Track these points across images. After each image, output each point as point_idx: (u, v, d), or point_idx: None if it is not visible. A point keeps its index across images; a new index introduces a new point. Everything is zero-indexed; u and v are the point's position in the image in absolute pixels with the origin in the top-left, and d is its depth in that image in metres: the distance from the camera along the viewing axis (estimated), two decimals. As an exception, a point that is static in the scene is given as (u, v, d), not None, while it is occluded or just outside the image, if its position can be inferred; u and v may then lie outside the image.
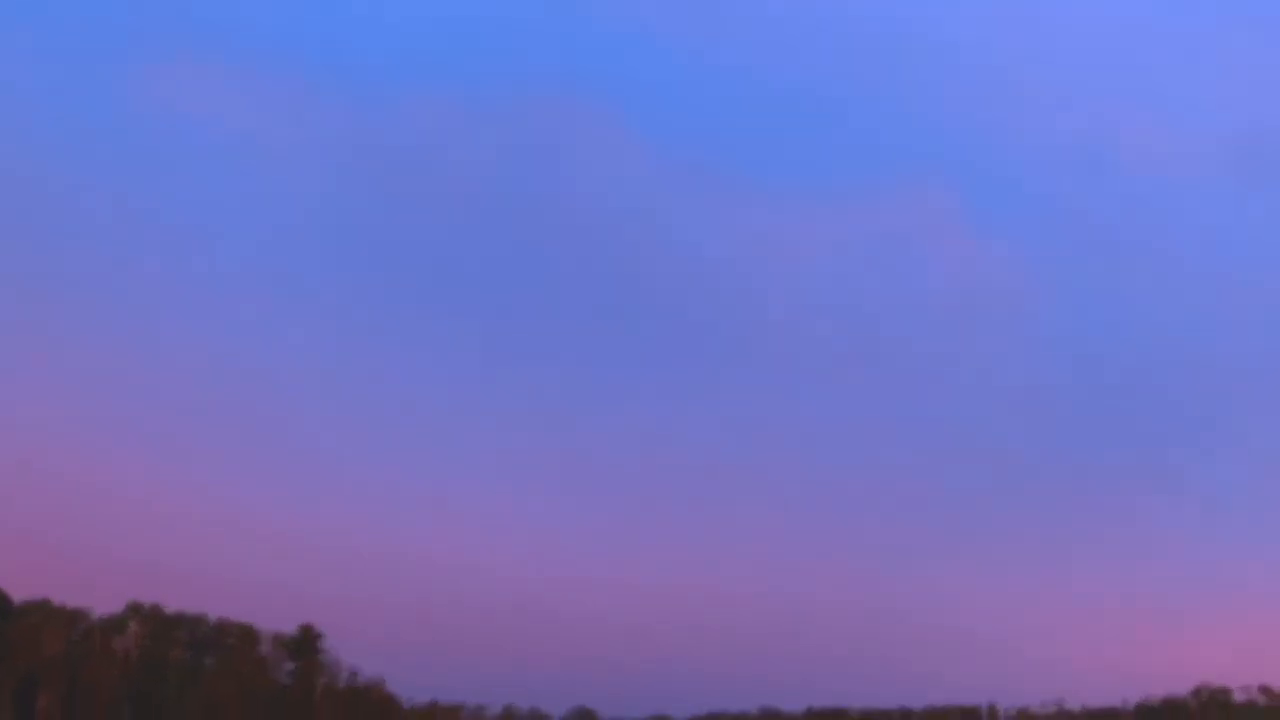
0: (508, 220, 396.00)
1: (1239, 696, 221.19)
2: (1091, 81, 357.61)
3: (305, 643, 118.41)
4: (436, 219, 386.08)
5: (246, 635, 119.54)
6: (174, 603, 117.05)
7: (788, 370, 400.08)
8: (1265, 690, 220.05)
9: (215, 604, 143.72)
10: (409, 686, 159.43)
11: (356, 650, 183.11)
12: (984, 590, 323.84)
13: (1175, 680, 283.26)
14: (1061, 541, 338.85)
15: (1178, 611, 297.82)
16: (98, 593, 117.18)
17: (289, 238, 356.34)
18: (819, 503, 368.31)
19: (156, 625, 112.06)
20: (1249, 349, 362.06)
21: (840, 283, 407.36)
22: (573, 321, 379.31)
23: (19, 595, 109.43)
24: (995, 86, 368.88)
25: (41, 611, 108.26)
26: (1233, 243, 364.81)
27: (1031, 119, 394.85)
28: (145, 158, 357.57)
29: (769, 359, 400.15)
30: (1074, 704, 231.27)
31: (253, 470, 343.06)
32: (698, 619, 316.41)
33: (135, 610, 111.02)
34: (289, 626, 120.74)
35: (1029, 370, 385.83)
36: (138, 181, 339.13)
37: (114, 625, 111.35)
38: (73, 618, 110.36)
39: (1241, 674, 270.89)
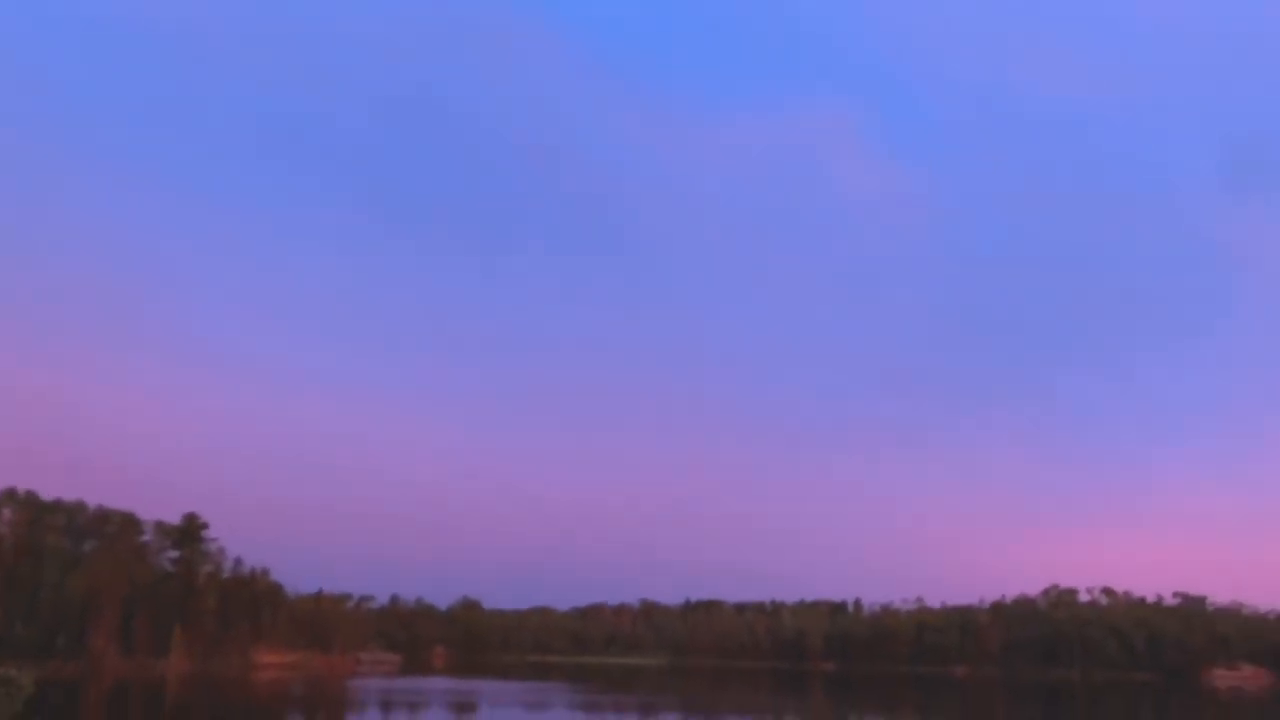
0: (409, 117, 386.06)
1: (1084, 597, 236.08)
2: (997, 7, 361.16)
3: (189, 531, 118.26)
4: (329, 104, 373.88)
5: (128, 523, 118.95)
6: (53, 490, 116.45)
7: (684, 277, 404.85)
8: (1108, 591, 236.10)
9: (98, 493, 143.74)
10: (295, 577, 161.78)
11: (242, 540, 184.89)
12: (855, 494, 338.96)
13: (1028, 581, 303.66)
14: (932, 449, 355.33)
15: (1034, 517, 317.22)
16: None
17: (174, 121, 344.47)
18: (700, 409, 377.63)
19: (33, 511, 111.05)
20: (1131, 274, 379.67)
21: (744, 192, 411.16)
22: (466, 216, 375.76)
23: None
24: (911, 12, 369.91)
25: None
26: (1122, 170, 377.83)
27: (941, 45, 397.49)
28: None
29: (668, 264, 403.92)
30: (934, 601, 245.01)
31: (136, 359, 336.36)
32: (582, 517, 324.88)
33: (10, 496, 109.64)
34: (173, 516, 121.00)
35: (922, 286, 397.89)
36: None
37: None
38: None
39: (1088, 576, 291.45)
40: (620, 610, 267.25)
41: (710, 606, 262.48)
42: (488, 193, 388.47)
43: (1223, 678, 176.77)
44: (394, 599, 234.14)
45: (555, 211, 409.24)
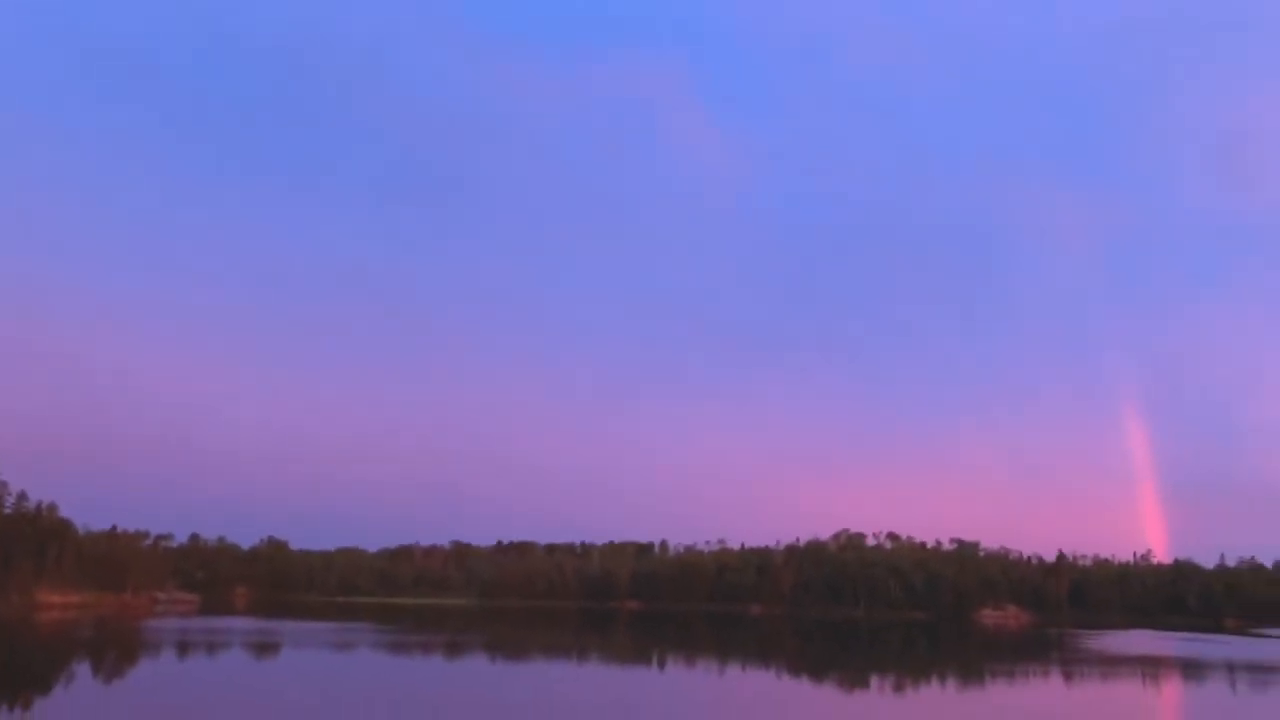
0: (245, 64, 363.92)
1: (871, 541, 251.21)
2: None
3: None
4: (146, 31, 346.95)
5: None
6: None
7: (507, 222, 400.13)
8: (892, 536, 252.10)
9: None
10: (87, 513, 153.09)
11: (28, 475, 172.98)
12: (663, 439, 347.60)
13: (821, 525, 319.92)
14: (739, 398, 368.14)
15: (830, 466, 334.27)
16: None
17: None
18: (514, 353, 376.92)
19: None
20: (928, 242, 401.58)
21: (569, 142, 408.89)
22: (284, 151, 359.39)
23: None
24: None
25: None
26: (931, 142, 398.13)
27: (768, 12, 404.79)
28: None
29: (483, 210, 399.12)
30: (734, 543, 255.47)
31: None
32: (394, 458, 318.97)
33: None
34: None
35: (738, 240, 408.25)
36: None
37: None
38: None
39: (876, 522, 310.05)
40: (431, 551, 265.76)
41: (521, 548, 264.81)
42: (304, 129, 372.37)
43: (989, 616, 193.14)
44: (194, 537, 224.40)
45: (376, 152, 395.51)
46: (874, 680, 42.32)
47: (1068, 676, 47.00)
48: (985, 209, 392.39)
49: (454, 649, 53.28)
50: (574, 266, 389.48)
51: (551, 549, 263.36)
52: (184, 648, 52.45)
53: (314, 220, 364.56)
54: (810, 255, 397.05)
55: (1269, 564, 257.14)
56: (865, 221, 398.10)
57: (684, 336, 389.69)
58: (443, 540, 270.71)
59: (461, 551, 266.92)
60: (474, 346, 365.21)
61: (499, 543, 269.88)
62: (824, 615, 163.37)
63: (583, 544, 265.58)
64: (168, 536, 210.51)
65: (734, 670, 44.14)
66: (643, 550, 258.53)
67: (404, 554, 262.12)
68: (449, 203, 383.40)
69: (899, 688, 38.67)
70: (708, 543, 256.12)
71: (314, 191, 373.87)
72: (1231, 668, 56.31)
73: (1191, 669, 55.08)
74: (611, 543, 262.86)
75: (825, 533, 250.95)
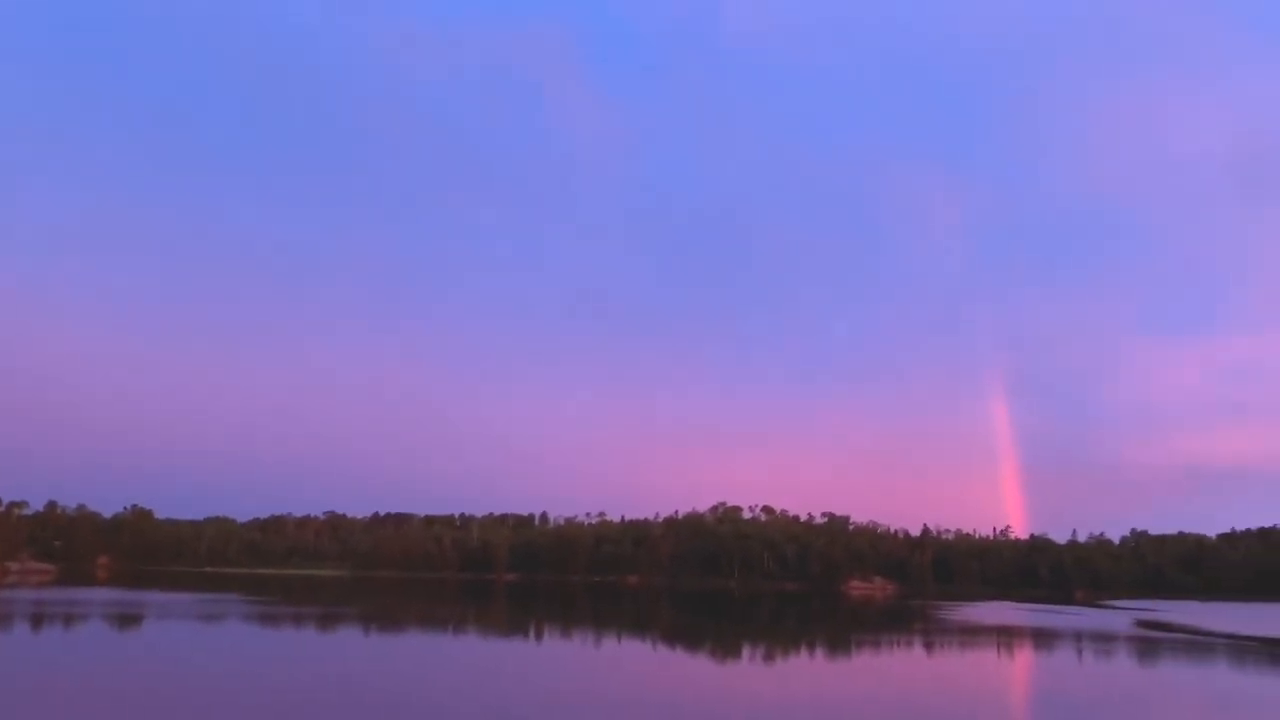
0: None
1: (747, 514, 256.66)
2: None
3: None
4: None
5: None
6: None
7: (376, 190, 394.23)
8: (767, 509, 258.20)
9: None
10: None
11: None
12: (546, 411, 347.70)
13: (699, 498, 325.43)
14: (622, 369, 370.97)
15: (709, 440, 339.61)
16: None
17: None
18: (394, 320, 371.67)
19: None
20: (809, 211, 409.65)
21: (451, 108, 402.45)
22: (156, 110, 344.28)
23: None
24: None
25: None
26: (812, 115, 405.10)
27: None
28: None
29: (365, 170, 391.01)
30: (614, 516, 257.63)
31: None
32: (265, 426, 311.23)
33: None
34: None
35: (620, 212, 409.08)
36: None
37: None
38: None
39: (752, 495, 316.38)
40: (304, 522, 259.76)
41: (399, 519, 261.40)
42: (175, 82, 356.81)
43: (857, 588, 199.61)
44: (51, 505, 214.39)
45: (258, 115, 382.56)
46: (745, 650, 43.43)
47: (928, 646, 49.16)
48: (864, 188, 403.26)
49: (327, 620, 52.42)
50: (452, 234, 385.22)
51: (430, 521, 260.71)
52: (38, 619, 50.13)
53: (187, 186, 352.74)
54: (689, 229, 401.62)
55: (1116, 540, 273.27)
56: (745, 196, 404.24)
57: (564, 307, 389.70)
58: (317, 511, 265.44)
59: (336, 522, 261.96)
60: (352, 313, 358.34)
61: (376, 514, 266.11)
62: (700, 586, 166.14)
63: (462, 516, 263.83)
64: (21, 504, 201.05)
65: (610, 641, 44.65)
66: (522, 522, 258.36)
67: (276, 524, 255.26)
68: (326, 168, 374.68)
69: (769, 657, 39.79)
70: (588, 515, 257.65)
71: (186, 151, 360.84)
72: (1079, 637, 59.82)
73: (1043, 638, 58.27)
74: (491, 515, 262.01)
75: (703, 505, 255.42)
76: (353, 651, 35.92)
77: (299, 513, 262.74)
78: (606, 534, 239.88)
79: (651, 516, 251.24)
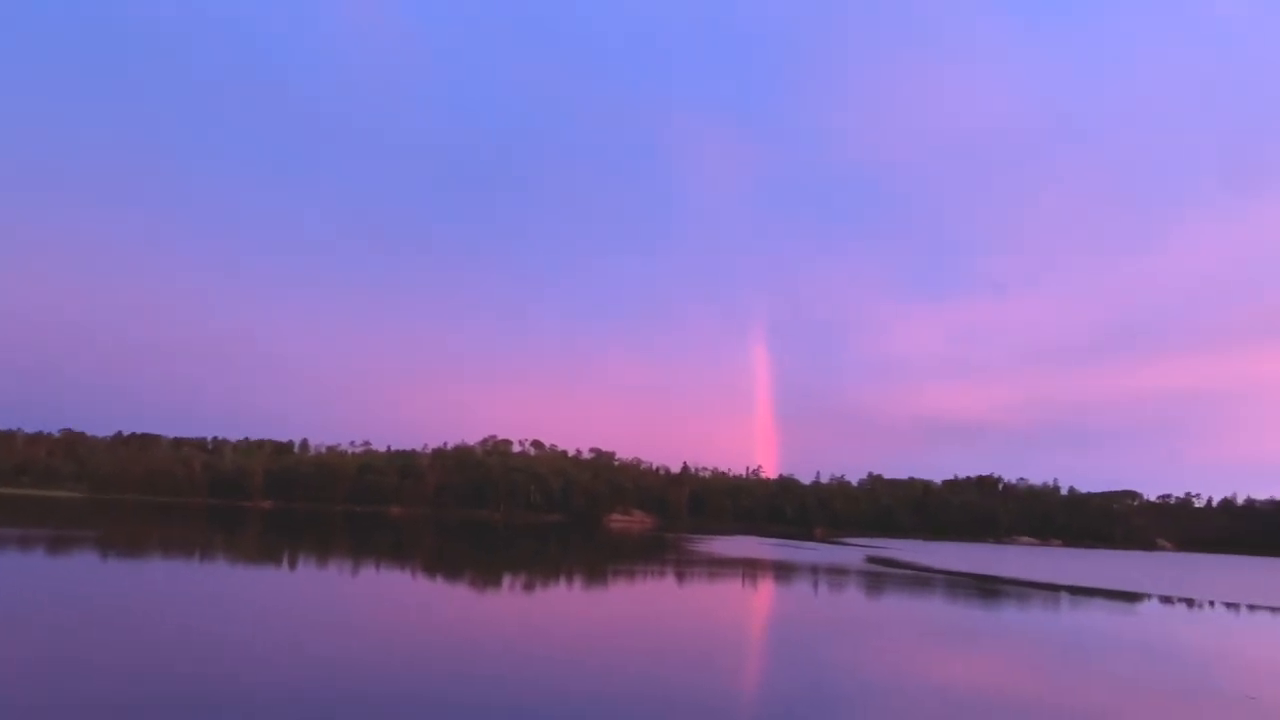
0: None
1: (516, 448, 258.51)
2: None
3: None
4: None
5: None
6: None
7: (172, 95, 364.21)
8: (536, 444, 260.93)
9: None
10: None
11: None
12: (311, 335, 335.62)
13: (471, 431, 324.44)
14: (391, 298, 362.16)
15: (482, 370, 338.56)
16: None
17: None
18: (143, 234, 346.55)
19: None
20: (591, 150, 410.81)
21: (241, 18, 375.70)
22: None
23: None
24: None
25: None
26: (598, 57, 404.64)
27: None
28: None
29: (151, 73, 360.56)
30: (381, 445, 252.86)
31: None
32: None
33: None
34: None
35: (398, 138, 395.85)
36: None
37: None
38: None
39: (523, 430, 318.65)
40: (36, 439, 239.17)
41: (144, 440, 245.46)
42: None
43: (617, 520, 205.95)
44: None
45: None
46: (506, 579, 44.01)
47: (679, 575, 51.48)
48: (651, 134, 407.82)
49: (60, 544, 48.81)
50: (219, 142, 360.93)
51: (179, 443, 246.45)
52: None
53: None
54: (475, 160, 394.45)
55: (855, 483, 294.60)
56: (534, 132, 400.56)
57: (332, 228, 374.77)
58: (51, 427, 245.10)
59: (73, 440, 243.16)
60: (99, 220, 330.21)
61: (119, 434, 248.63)
62: (465, 518, 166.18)
63: (214, 439, 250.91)
64: None
65: (368, 570, 44.11)
66: (281, 449, 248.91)
67: (4, 439, 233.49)
68: (121, 72, 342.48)
69: (529, 586, 40.53)
70: (352, 443, 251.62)
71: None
72: (816, 570, 64.34)
73: (783, 570, 62.27)
74: (247, 439, 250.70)
75: (473, 438, 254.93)
76: (82, 577, 33.70)
77: (30, 428, 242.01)
78: (371, 463, 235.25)
79: (419, 447, 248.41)
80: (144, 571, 37.23)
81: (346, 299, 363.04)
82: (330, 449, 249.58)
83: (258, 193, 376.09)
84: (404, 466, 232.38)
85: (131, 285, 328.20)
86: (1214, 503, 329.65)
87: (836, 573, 63.17)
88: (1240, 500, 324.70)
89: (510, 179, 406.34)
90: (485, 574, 46.93)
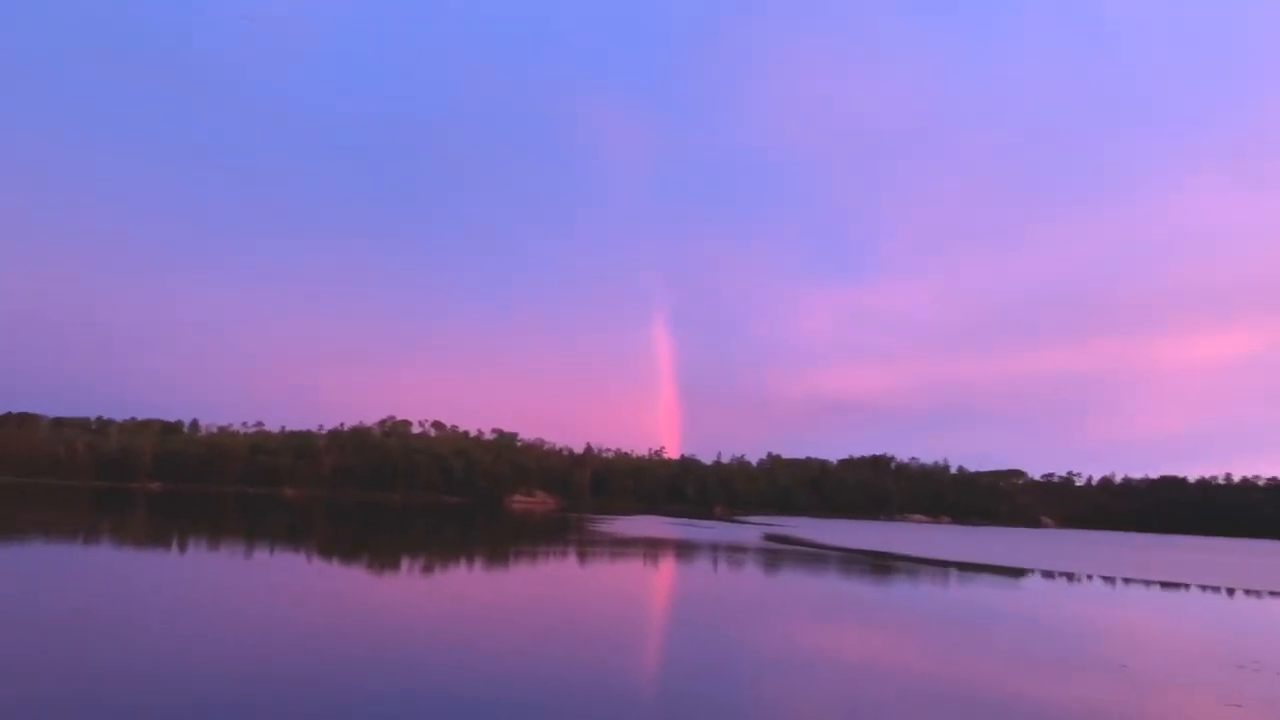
0: None
1: (416, 429, 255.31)
2: None
3: None
4: None
5: None
6: None
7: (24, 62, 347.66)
8: (437, 425, 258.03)
9: None
10: None
11: None
12: (203, 309, 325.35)
13: (367, 411, 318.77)
14: (289, 276, 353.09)
15: (383, 351, 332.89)
16: None
17: None
18: (34, 205, 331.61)
19: None
20: (503, 133, 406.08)
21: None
22: None
23: None
24: None
25: None
26: (507, 31, 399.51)
27: None
28: None
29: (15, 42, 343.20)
30: (274, 426, 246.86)
31: None
32: None
33: None
34: None
35: (306, 117, 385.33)
36: None
37: None
38: None
39: (423, 411, 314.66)
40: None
41: (22, 419, 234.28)
42: None
43: (520, 502, 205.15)
44: None
45: None
46: (404, 562, 43.47)
47: (582, 555, 51.58)
48: (558, 114, 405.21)
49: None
50: (119, 117, 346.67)
51: (60, 423, 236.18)
52: None
53: None
54: (374, 142, 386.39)
55: (755, 462, 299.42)
56: (435, 112, 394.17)
57: (230, 207, 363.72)
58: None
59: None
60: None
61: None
62: (363, 500, 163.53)
63: (99, 419, 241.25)
64: None
65: (262, 553, 43.06)
66: (169, 429, 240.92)
67: None
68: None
69: (427, 569, 40.11)
70: (244, 424, 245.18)
71: None
72: (715, 548, 65.20)
73: (684, 549, 62.96)
74: (134, 419, 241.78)
75: (372, 419, 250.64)
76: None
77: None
78: (264, 444, 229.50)
79: (315, 428, 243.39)
80: (19, 555, 35.63)
81: (243, 277, 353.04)
82: (222, 429, 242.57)
83: (151, 164, 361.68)
84: (299, 447, 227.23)
85: (14, 264, 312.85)
86: (1093, 481, 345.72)
87: (735, 551, 64.08)
88: (1118, 479, 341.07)
89: (415, 159, 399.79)
90: (382, 557, 46.24)
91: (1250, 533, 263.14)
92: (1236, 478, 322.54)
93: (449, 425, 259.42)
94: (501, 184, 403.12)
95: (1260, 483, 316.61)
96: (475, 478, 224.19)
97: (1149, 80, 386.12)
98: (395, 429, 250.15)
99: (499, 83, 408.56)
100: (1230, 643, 28.01)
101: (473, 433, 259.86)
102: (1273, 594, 50.99)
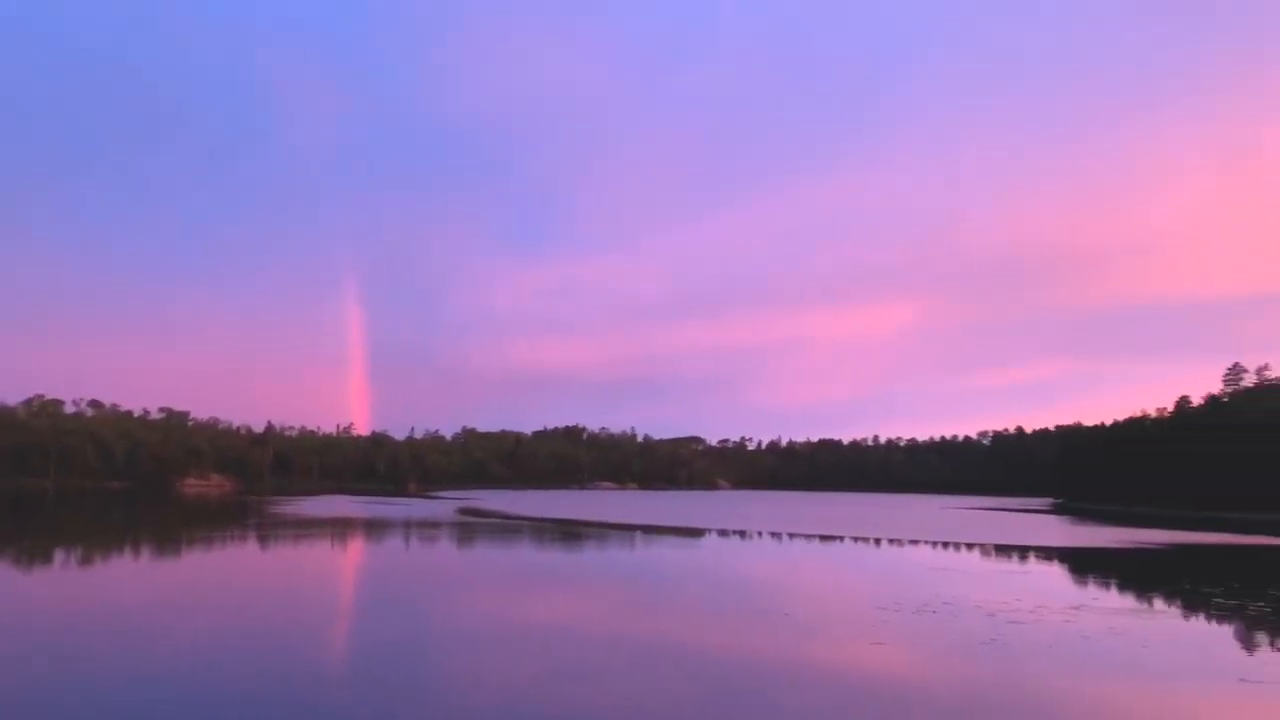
0: None
1: (70, 408, 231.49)
2: None
3: None
4: None
5: None
6: None
7: None
8: (94, 404, 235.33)
9: None
10: None
11: None
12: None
13: (10, 389, 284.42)
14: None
15: (27, 325, 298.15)
16: None
17: None
18: None
19: None
20: (181, 93, 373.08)
21: None
22: None
23: None
24: None
25: None
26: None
27: None
28: None
29: None
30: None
31: None
32: None
33: None
34: None
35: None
36: None
37: None
38: None
39: (82, 388, 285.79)
40: None
41: None
42: None
43: (192, 485, 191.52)
44: None
45: None
46: (57, 554, 39.54)
47: (262, 539, 49.24)
48: (239, 68, 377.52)
49: None
50: None
51: None
52: None
53: None
54: (21, 84, 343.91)
55: (449, 436, 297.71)
56: (98, 46, 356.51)
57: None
58: None
59: None
60: None
61: None
62: (6, 487, 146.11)
63: None
64: None
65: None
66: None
67: None
68: None
69: (86, 561, 36.74)
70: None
71: None
72: (407, 525, 64.62)
73: (375, 527, 61.93)
74: None
75: (17, 397, 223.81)
76: None
77: None
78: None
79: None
80: None
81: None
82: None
83: None
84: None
85: None
86: (764, 445, 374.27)
87: (428, 526, 63.78)
88: (784, 443, 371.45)
89: (74, 105, 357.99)
90: (30, 549, 41.71)
91: (893, 488, 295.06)
92: (884, 439, 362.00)
93: (108, 404, 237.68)
94: (166, 136, 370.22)
95: (901, 443, 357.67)
96: (140, 461, 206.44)
97: (826, 68, 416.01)
98: (44, 408, 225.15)
99: (176, 26, 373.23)
100: (875, 587, 31.57)
101: (137, 412, 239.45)
102: (912, 542, 57.86)
